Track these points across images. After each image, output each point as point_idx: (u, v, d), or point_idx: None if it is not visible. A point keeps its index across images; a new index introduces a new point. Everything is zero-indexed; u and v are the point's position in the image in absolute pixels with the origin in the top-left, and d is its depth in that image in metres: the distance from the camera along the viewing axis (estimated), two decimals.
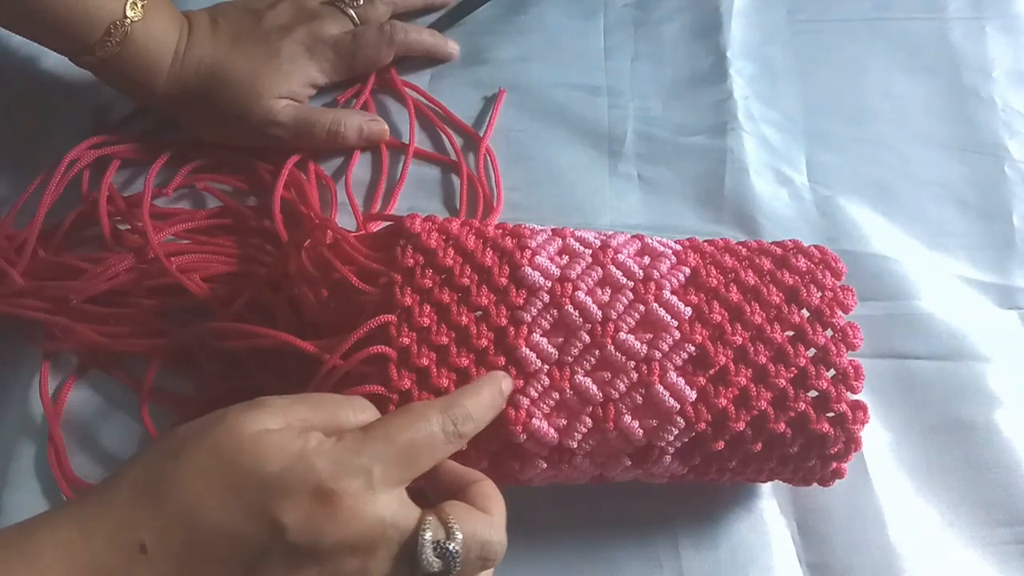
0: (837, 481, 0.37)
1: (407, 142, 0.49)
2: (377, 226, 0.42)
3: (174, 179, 0.46)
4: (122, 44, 0.42)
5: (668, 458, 0.35)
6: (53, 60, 0.50)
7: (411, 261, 0.35)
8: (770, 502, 0.40)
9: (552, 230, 0.37)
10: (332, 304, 0.37)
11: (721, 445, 0.34)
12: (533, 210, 0.47)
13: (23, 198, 0.44)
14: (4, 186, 0.46)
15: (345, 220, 0.45)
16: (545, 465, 0.34)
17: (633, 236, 0.38)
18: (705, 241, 0.39)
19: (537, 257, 0.35)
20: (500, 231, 0.37)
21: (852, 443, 0.35)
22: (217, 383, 0.40)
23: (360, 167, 0.48)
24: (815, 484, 0.37)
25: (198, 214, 0.45)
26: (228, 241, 0.44)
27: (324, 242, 0.37)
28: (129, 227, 0.43)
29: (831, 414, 0.34)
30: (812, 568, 0.39)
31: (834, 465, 0.36)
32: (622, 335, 0.34)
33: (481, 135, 0.49)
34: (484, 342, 0.34)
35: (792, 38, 0.55)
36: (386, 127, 0.49)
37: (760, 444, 0.34)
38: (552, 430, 0.33)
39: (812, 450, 0.35)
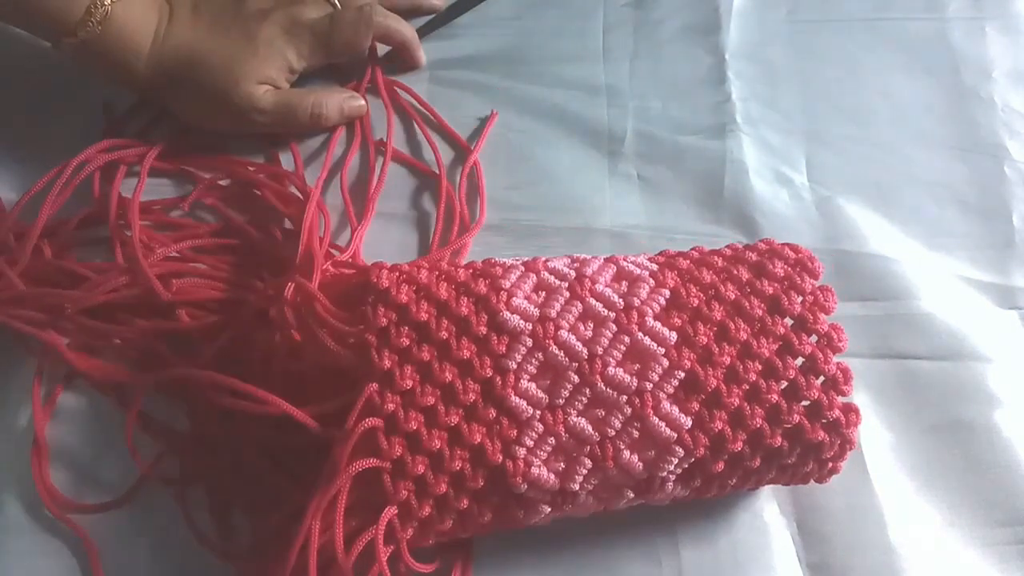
0: (837, 481, 0.37)
1: (404, 150, 0.49)
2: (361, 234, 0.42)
3: (191, 193, 0.45)
4: (102, 25, 0.42)
5: (670, 485, 0.34)
6: (56, 58, 0.50)
7: (384, 320, 0.33)
8: (770, 502, 0.40)
9: (524, 264, 0.36)
10: (310, 349, 0.35)
11: (721, 466, 0.34)
12: (532, 210, 0.47)
13: (31, 193, 0.43)
14: (7, 187, 0.46)
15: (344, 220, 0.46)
16: (549, 509, 0.34)
17: (606, 260, 0.37)
18: (678, 254, 0.38)
19: (514, 299, 0.34)
20: (471, 272, 0.36)
21: (847, 444, 0.35)
22: (204, 423, 0.39)
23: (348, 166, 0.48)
24: (812, 482, 0.37)
25: (201, 229, 0.45)
26: (226, 262, 0.43)
27: (309, 291, 0.35)
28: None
29: (824, 420, 0.34)
30: (812, 568, 0.39)
31: (831, 465, 0.36)
32: (611, 370, 0.33)
33: (472, 148, 0.49)
34: (472, 396, 0.33)
35: (792, 38, 0.55)
36: (364, 104, 0.49)
37: (758, 459, 0.34)
38: (552, 475, 0.33)
39: (809, 457, 0.35)
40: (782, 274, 0.36)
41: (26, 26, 0.44)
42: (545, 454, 0.33)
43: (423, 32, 0.53)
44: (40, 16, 0.42)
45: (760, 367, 0.34)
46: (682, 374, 0.34)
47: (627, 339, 0.34)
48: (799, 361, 0.35)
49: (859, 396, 0.42)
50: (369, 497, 0.32)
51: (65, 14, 0.42)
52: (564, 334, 0.34)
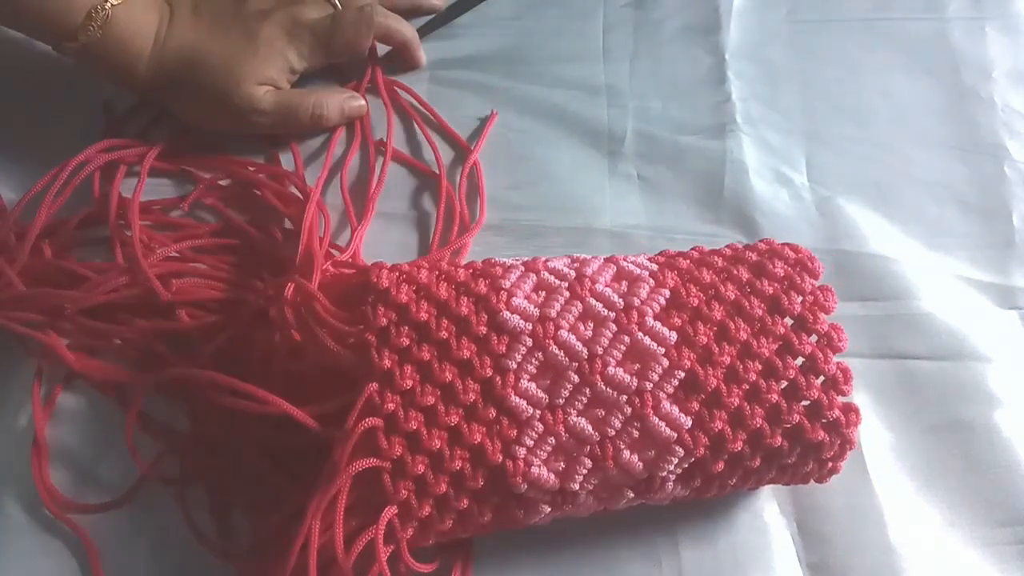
0: (837, 481, 0.37)
1: (404, 150, 0.49)
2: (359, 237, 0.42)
3: (191, 193, 0.46)
4: (103, 28, 0.42)
5: (670, 485, 0.34)
6: (56, 58, 0.50)
7: (384, 320, 0.33)
8: (770, 502, 0.40)
9: (524, 264, 0.36)
10: (310, 349, 0.35)
11: (721, 466, 0.34)
12: (532, 210, 0.47)
13: (31, 193, 0.43)
14: (7, 187, 0.46)
15: (344, 222, 0.46)
16: (549, 509, 0.34)
17: (607, 260, 0.37)
18: (678, 254, 0.38)
19: (514, 299, 0.34)
20: (471, 272, 0.36)
21: (847, 444, 0.35)
22: (204, 423, 0.39)
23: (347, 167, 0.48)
24: (812, 482, 0.37)
25: (201, 229, 0.45)
26: (226, 261, 0.43)
27: (309, 291, 0.35)
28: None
29: (824, 420, 0.34)
30: (812, 568, 0.39)
31: (831, 465, 0.36)
32: (610, 370, 0.33)
33: (472, 148, 0.49)
34: (472, 396, 0.33)
35: (792, 38, 0.55)
36: (364, 104, 0.49)
37: (758, 459, 0.34)
38: (552, 475, 0.33)
39: (809, 456, 0.35)
40: (782, 274, 0.36)
41: (26, 30, 0.44)
42: (545, 454, 0.33)
43: (423, 32, 0.53)
44: (40, 21, 0.42)
45: (760, 367, 0.34)
46: (682, 374, 0.34)
47: (627, 339, 0.34)
48: (799, 361, 0.35)
49: (859, 396, 0.42)
50: (369, 497, 0.32)
51: (65, 18, 0.42)
52: (564, 334, 0.34)
